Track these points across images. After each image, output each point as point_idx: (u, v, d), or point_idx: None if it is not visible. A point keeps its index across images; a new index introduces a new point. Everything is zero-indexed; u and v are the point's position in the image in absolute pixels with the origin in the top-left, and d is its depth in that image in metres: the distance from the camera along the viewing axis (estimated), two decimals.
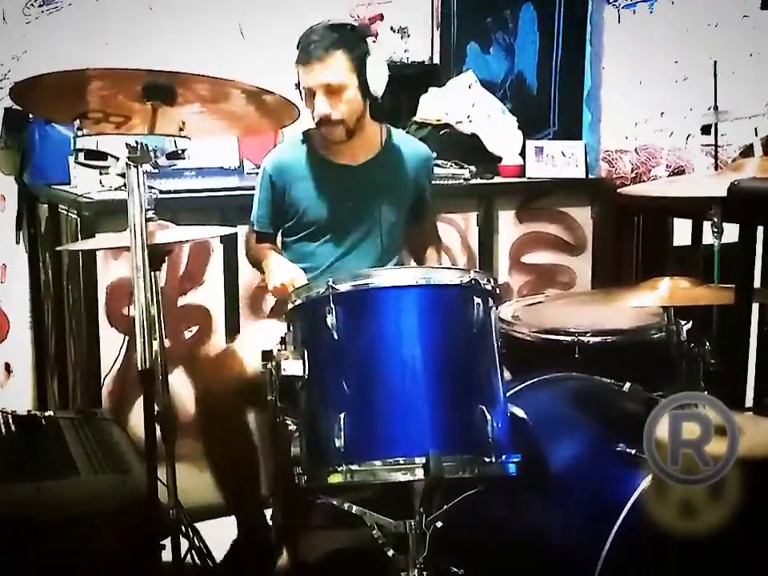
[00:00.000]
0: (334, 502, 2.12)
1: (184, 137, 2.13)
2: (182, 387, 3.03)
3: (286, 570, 2.61)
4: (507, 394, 2.22)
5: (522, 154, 3.71)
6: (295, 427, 2.13)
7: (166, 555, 2.25)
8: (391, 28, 3.88)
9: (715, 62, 2.91)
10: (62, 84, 2.08)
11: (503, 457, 2.05)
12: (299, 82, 2.73)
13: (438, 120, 3.68)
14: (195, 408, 2.75)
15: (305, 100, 2.72)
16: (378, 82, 2.71)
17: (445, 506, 2.07)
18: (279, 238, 2.94)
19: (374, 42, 2.77)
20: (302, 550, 2.63)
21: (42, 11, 3.39)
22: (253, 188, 2.92)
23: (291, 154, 2.89)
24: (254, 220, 2.90)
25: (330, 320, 2.04)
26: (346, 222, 2.83)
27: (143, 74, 2.05)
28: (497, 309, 2.22)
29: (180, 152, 2.11)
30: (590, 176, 3.69)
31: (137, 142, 2.02)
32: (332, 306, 2.05)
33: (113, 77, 2.09)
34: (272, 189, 2.86)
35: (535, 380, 2.49)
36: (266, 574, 2.67)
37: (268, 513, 2.75)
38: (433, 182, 3.04)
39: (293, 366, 2.08)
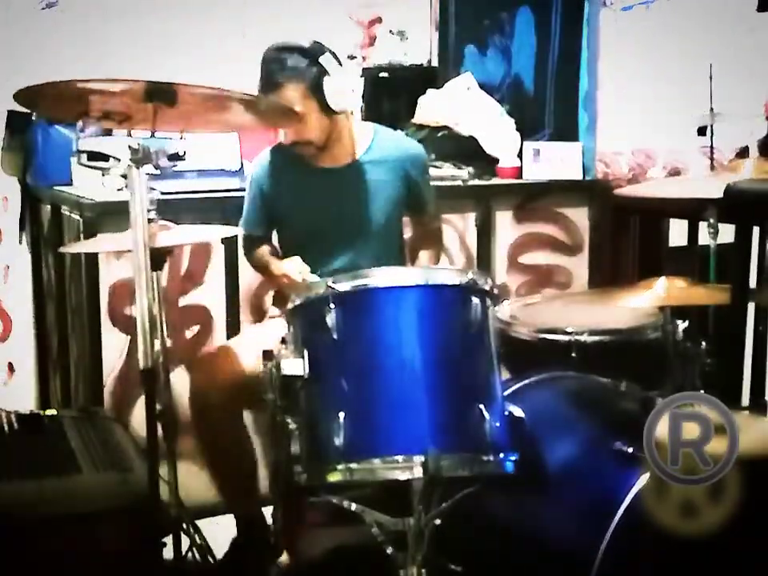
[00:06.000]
0: (334, 500, 2.13)
1: (184, 138, 2.15)
2: (183, 386, 3.04)
3: (285, 568, 2.63)
4: (505, 393, 2.24)
5: (520, 155, 3.73)
6: (295, 426, 2.14)
7: (168, 553, 2.27)
8: (390, 31, 3.89)
9: (711, 63, 2.92)
10: (63, 92, 2.10)
11: (501, 455, 2.06)
12: None
13: (436, 122, 3.70)
14: (190, 407, 2.74)
15: None
16: (340, 98, 2.67)
17: (443, 504, 2.09)
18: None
19: (329, 56, 2.68)
20: (301, 548, 2.65)
21: (44, 13, 3.40)
22: None
23: (275, 157, 2.88)
24: (243, 224, 2.91)
25: (330, 320, 2.05)
26: (333, 227, 2.79)
27: (143, 85, 2.05)
28: (494, 309, 2.23)
29: (181, 153, 2.13)
30: (586, 177, 3.70)
31: (138, 144, 2.05)
32: (331, 306, 2.07)
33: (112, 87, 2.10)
34: (260, 194, 2.87)
35: (532, 379, 2.49)
36: (265, 572, 2.69)
37: (267, 511, 2.77)
38: (432, 183, 3.00)
39: (293, 366, 2.09)
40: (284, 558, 2.62)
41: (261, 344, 2.25)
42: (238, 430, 2.75)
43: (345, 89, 2.69)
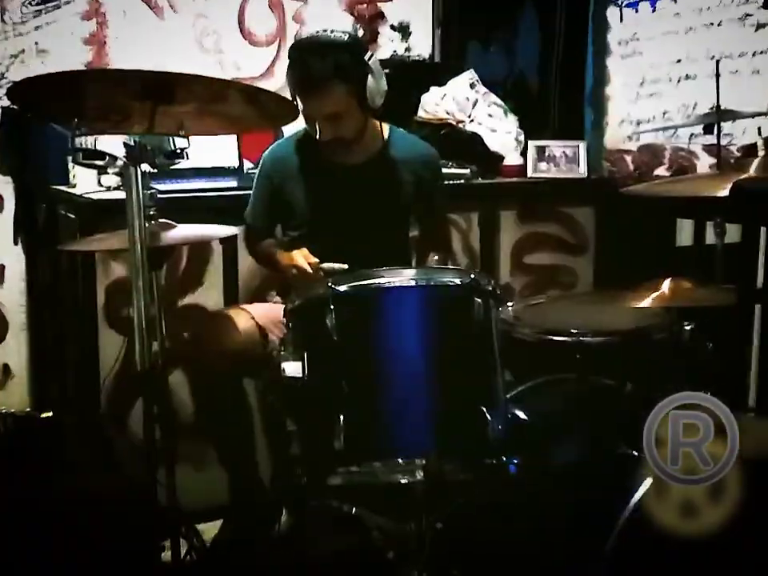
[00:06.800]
0: (334, 504, 2.12)
1: (183, 136, 2.12)
2: (181, 388, 3.02)
3: (287, 527, 2.59)
4: (508, 395, 2.22)
5: (524, 153, 3.70)
6: (295, 428, 2.13)
7: (166, 556, 2.26)
8: (392, 26, 3.87)
9: (717, 60, 2.89)
10: (60, 85, 2.07)
11: (503, 458, 2.05)
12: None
13: (438, 119, 3.68)
14: (189, 367, 2.71)
15: (304, 120, 2.69)
16: (378, 95, 2.67)
17: (444, 508, 2.08)
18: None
19: (372, 54, 2.69)
20: (301, 552, 2.63)
21: (41, 10, 3.39)
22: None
23: (289, 150, 2.87)
24: (248, 216, 2.89)
25: (330, 321, 2.04)
26: (342, 223, 2.77)
27: (140, 76, 2.03)
28: (498, 309, 2.22)
29: (179, 151, 2.10)
30: (592, 176, 3.68)
31: (135, 142, 2.02)
32: (331, 306, 2.04)
33: (110, 79, 2.08)
34: (269, 184, 2.86)
35: (536, 381, 2.49)
36: (265, 534, 2.63)
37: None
38: (444, 182, 3.00)
39: (292, 367, 2.08)
40: (285, 517, 2.59)
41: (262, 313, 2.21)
42: (236, 393, 2.73)
43: (383, 85, 2.69)
